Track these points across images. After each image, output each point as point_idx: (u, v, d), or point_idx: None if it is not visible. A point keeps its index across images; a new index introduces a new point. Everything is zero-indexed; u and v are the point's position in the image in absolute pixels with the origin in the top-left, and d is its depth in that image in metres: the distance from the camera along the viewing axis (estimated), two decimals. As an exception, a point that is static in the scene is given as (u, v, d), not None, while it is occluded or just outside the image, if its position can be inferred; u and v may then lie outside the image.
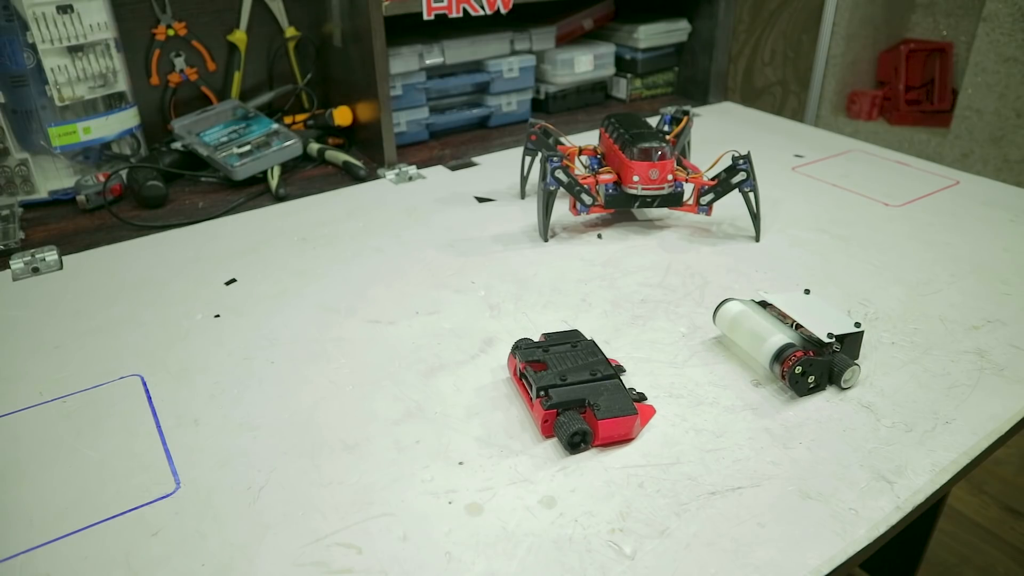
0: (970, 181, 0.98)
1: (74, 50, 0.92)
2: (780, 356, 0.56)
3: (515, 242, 0.83)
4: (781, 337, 0.57)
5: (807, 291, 0.64)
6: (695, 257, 0.79)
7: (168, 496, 0.48)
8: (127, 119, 1.00)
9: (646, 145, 0.81)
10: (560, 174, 0.79)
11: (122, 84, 0.99)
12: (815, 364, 0.56)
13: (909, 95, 2.29)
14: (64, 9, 0.90)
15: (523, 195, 0.96)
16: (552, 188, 0.80)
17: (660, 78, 1.43)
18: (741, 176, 0.81)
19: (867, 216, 0.88)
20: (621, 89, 1.41)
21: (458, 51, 1.18)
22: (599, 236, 0.84)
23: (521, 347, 0.57)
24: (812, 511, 0.46)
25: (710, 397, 0.57)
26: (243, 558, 0.44)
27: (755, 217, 0.82)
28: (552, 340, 0.59)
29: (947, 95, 2.27)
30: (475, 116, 1.25)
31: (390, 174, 1.04)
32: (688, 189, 0.84)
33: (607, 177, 0.84)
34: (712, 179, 0.82)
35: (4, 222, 0.89)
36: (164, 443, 0.53)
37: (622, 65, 1.40)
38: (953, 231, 0.84)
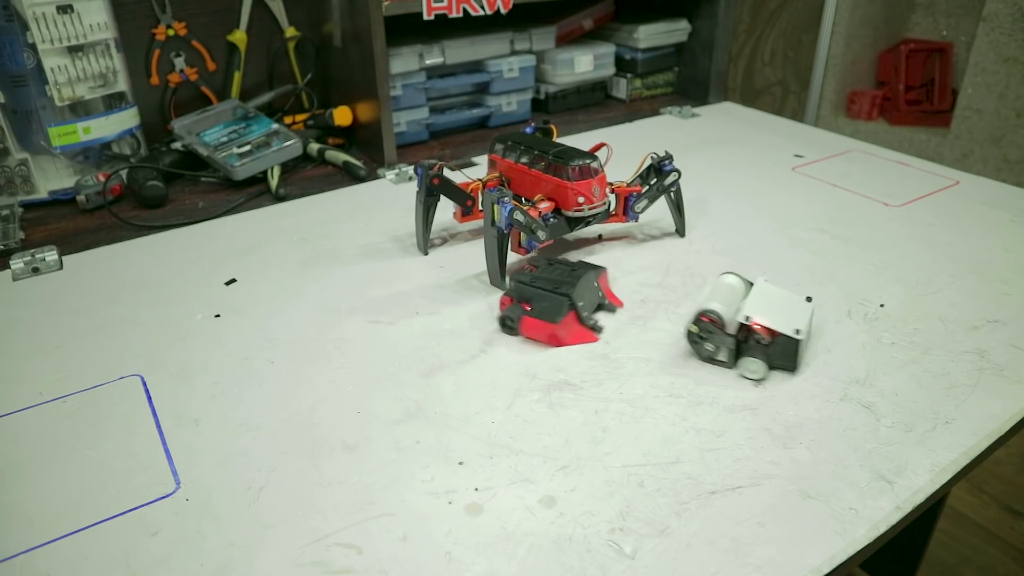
0: (970, 181, 0.98)
1: (74, 50, 0.92)
2: (696, 317, 0.59)
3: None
4: (715, 305, 0.59)
5: (809, 298, 0.62)
6: (695, 257, 0.79)
7: (168, 496, 0.48)
8: (127, 119, 1.00)
9: (582, 163, 0.75)
10: (518, 215, 0.71)
11: (122, 84, 0.99)
12: (716, 334, 0.58)
13: (909, 95, 2.29)
14: (64, 9, 0.90)
15: (427, 249, 0.82)
16: (507, 232, 0.72)
17: (660, 78, 1.43)
18: (674, 177, 0.80)
19: (867, 216, 0.88)
20: (621, 89, 1.41)
21: (458, 51, 1.18)
22: (599, 237, 0.84)
23: (536, 258, 0.72)
24: (812, 511, 0.46)
25: (710, 397, 0.57)
26: (243, 558, 0.44)
27: (681, 213, 0.83)
28: (564, 262, 0.70)
29: (947, 95, 2.27)
30: (475, 116, 1.25)
31: (390, 174, 1.04)
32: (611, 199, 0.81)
33: (547, 206, 0.76)
34: (637, 185, 0.81)
35: (4, 222, 0.89)
36: (164, 443, 0.53)
37: (622, 65, 1.40)
38: (953, 231, 0.84)
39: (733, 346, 0.59)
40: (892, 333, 0.65)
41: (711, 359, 0.60)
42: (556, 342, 0.63)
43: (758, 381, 0.58)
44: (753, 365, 0.58)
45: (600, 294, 0.69)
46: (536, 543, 0.44)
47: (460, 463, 0.51)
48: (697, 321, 0.59)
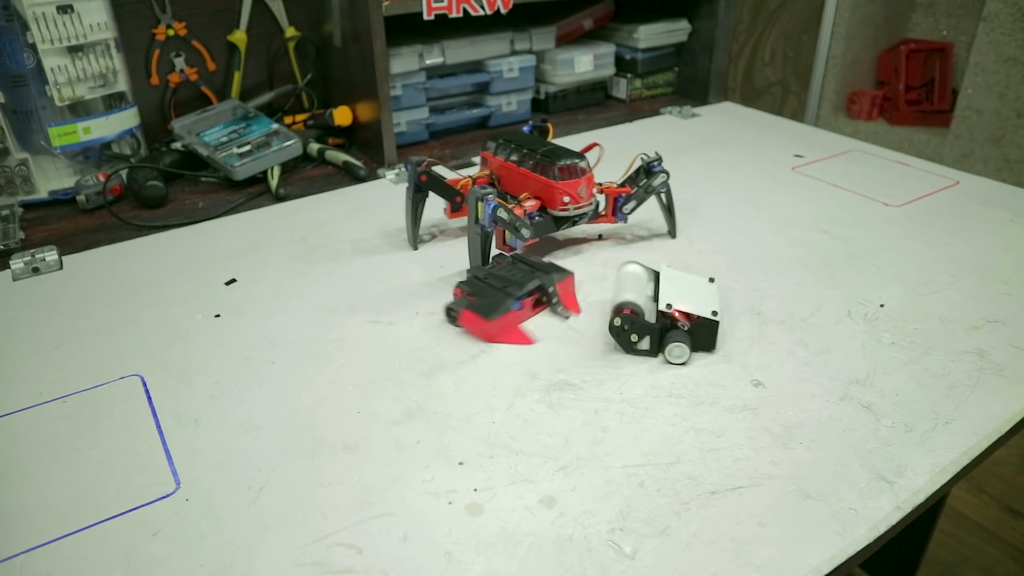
0: (970, 181, 0.98)
1: (74, 50, 0.92)
2: (617, 310, 0.61)
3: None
4: (630, 296, 0.62)
5: (711, 279, 0.66)
6: (695, 257, 0.79)
7: (168, 496, 0.48)
8: (127, 119, 1.00)
9: (568, 162, 0.76)
10: (502, 213, 0.71)
11: (122, 84, 0.99)
12: (638, 324, 0.60)
13: (909, 95, 2.29)
14: (64, 9, 0.90)
15: (416, 244, 0.83)
16: (490, 230, 0.72)
17: (660, 78, 1.43)
18: (662, 179, 0.80)
19: (867, 216, 0.88)
20: (621, 89, 1.41)
21: (458, 51, 1.18)
22: (600, 237, 0.84)
23: (503, 254, 0.73)
24: (812, 511, 0.46)
25: (710, 397, 0.57)
26: (243, 558, 0.44)
27: (672, 214, 0.83)
28: (529, 262, 0.71)
29: (947, 95, 2.27)
30: (475, 116, 1.25)
31: (390, 174, 1.04)
32: (601, 200, 0.81)
33: (532, 204, 0.77)
34: (626, 186, 0.81)
35: (4, 222, 0.89)
36: (164, 443, 0.53)
37: (622, 65, 1.40)
38: (953, 231, 0.84)
39: (656, 334, 0.61)
40: (892, 333, 0.65)
41: (633, 350, 0.62)
42: (489, 338, 0.64)
43: (681, 364, 0.60)
44: (678, 350, 0.60)
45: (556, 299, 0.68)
46: (536, 543, 0.44)
47: (460, 463, 0.51)
48: (619, 314, 0.60)
